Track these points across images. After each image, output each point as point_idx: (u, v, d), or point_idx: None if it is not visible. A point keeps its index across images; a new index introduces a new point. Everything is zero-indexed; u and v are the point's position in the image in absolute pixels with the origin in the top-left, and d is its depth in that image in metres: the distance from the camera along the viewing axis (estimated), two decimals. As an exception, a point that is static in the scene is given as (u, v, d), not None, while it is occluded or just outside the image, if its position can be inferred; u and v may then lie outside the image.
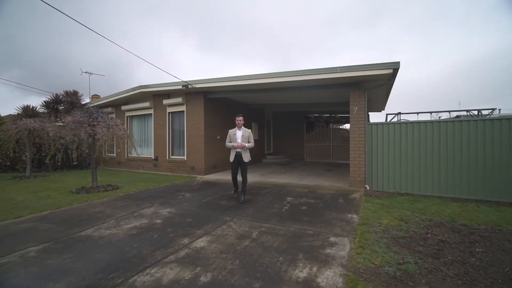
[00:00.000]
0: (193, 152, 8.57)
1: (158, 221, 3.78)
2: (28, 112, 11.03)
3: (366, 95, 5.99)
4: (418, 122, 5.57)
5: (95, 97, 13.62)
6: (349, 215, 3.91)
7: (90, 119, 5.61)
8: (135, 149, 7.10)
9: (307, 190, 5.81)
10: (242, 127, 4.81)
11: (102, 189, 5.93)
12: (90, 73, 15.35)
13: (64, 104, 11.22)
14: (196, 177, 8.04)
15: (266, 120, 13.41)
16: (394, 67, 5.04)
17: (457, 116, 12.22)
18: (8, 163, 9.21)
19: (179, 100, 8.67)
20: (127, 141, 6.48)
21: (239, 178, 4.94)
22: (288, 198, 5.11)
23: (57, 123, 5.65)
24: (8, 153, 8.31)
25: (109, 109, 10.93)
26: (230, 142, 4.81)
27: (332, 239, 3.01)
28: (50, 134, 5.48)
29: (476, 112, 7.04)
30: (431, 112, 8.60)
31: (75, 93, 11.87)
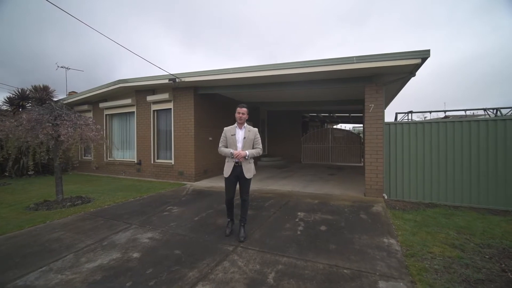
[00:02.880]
0: (181, 155, 7.53)
1: (135, 255, 2.78)
2: (-15, 109, 9.55)
3: (384, 90, 5.21)
4: (445, 122, 4.85)
5: (71, 94, 12.20)
6: (385, 240, 3.07)
7: (51, 117, 4.48)
8: (112, 153, 5.99)
9: (317, 201, 4.95)
10: (245, 125, 3.27)
11: (68, 203, 4.80)
12: (67, 68, 13.79)
13: (31, 100, 9.82)
14: (185, 184, 7.02)
15: (261, 120, 12.51)
16: (423, 56, 4.26)
17: (446, 117, 11.84)
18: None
19: (165, 96, 7.60)
20: (105, 143, 5.44)
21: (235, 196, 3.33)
22: (298, 213, 4.22)
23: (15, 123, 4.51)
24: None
25: (86, 107, 9.67)
26: (227, 147, 3.23)
27: (382, 285, 2.14)
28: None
29: (494, 111, 6.49)
30: (445, 111, 7.97)
31: (45, 89, 10.43)
